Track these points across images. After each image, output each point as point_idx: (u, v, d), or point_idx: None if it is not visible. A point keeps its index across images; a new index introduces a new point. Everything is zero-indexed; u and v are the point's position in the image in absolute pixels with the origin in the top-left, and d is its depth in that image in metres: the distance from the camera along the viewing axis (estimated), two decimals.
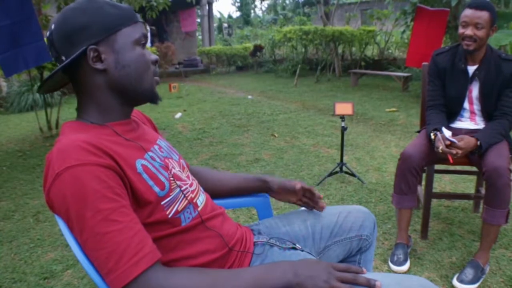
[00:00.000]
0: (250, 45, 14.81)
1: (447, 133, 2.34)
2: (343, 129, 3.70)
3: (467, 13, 2.34)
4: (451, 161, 2.33)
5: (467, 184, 3.65)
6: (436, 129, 2.40)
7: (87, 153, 0.91)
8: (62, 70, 1.04)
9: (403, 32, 7.84)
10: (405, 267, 2.40)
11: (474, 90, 2.51)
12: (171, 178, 1.10)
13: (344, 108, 3.65)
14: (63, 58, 1.03)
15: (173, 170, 1.14)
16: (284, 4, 21.17)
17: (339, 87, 9.87)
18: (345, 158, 4.35)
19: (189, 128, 5.93)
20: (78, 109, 1.11)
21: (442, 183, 3.68)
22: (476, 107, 2.55)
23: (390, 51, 12.30)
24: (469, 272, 2.26)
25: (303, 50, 11.62)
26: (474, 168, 2.75)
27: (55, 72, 1.02)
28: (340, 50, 11.70)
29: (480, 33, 2.32)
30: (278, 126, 6.04)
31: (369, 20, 12.71)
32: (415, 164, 2.39)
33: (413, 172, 2.40)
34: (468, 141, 2.27)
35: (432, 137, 2.38)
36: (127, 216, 0.91)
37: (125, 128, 1.10)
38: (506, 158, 2.26)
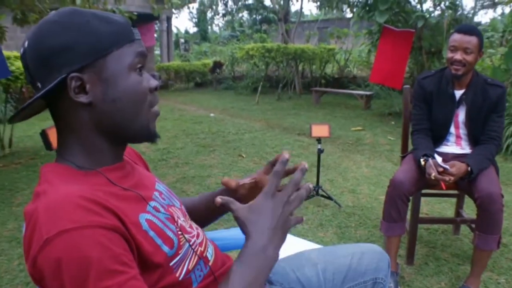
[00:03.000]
0: (209, 61, 14.65)
1: (439, 159, 2.28)
2: (319, 151, 3.60)
3: (456, 37, 2.32)
4: (444, 187, 2.28)
5: (443, 205, 3.62)
6: (425, 155, 2.33)
7: (86, 212, 0.72)
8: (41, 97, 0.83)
9: (369, 51, 7.92)
10: None
11: (461, 114, 2.48)
12: (179, 232, 0.92)
13: (320, 130, 3.55)
14: (39, 85, 0.83)
15: (179, 221, 0.96)
16: (241, 21, 21.21)
17: (301, 105, 9.84)
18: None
19: (152, 148, 5.68)
20: (59, 148, 0.89)
21: None
22: (462, 131, 2.51)
23: (349, 69, 12.44)
24: None
25: (264, 67, 11.56)
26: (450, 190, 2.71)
27: (29, 103, 0.82)
28: (300, 68, 11.73)
29: (469, 57, 2.30)
30: (245, 146, 5.89)
31: (328, 38, 12.86)
32: (406, 191, 2.31)
33: (404, 199, 2.32)
34: (459, 167, 2.23)
35: (422, 163, 2.31)
36: None
37: (119, 174, 0.91)
38: (497, 183, 2.24)
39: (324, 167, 4.81)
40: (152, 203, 0.92)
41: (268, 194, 0.85)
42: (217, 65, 13.78)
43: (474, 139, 2.49)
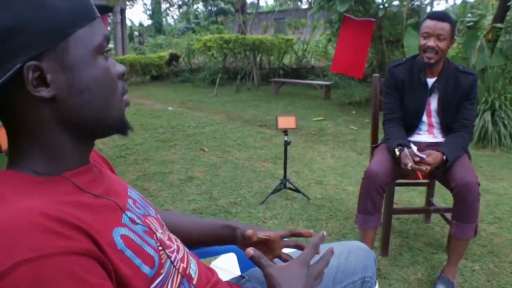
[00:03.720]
0: (165, 53, 14.28)
1: (414, 148, 2.22)
2: (286, 143, 3.50)
3: (429, 24, 2.25)
4: (420, 177, 2.23)
5: (411, 194, 3.61)
6: (400, 145, 2.27)
7: (50, 235, 0.57)
8: None
9: (329, 40, 7.88)
10: None
11: (433, 103, 2.43)
12: (160, 247, 0.79)
13: (287, 121, 3.45)
14: None
15: (157, 234, 0.82)
16: (196, 12, 20.83)
17: (260, 97, 9.74)
18: (282, 172, 4.17)
19: (109, 144, 5.43)
20: (12, 151, 0.74)
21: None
22: (434, 119, 2.47)
23: (307, 59, 12.43)
24: None
25: (221, 59, 11.38)
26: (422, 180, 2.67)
27: None
28: (258, 59, 11.62)
29: (442, 44, 2.25)
30: (206, 139, 5.73)
31: (286, 28, 12.80)
32: (381, 182, 2.24)
33: (379, 190, 2.25)
34: (435, 156, 2.18)
35: (397, 153, 2.25)
36: None
37: (88, 178, 0.76)
38: (473, 172, 2.21)
39: (289, 159, 4.68)
40: (128, 214, 0.77)
41: (305, 263, 0.88)
42: (173, 57, 13.46)
43: (446, 128, 2.45)
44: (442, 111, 2.41)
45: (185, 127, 6.54)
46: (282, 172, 4.15)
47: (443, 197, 3.44)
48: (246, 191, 3.72)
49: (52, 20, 0.66)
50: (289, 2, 17.05)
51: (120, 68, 0.79)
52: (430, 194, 3.02)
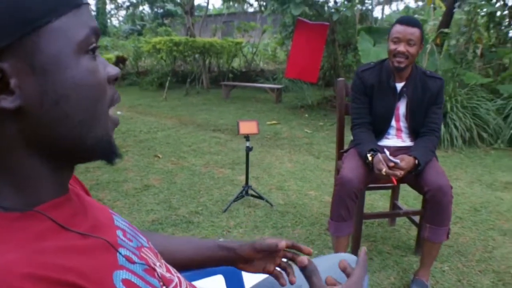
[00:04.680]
0: (111, 56, 13.85)
1: (388, 153, 2.20)
2: (248, 149, 3.42)
3: (399, 29, 2.25)
4: (395, 182, 2.21)
5: (373, 197, 3.62)
6: (372, 150, 2.25)
7: None
8: None
9: (282, 44, 7.88)
10: None
11: (401, 107, 2.43)
12: (163, 287, 0.68)
13: (248, 126, 3.36)
14: None
15: (157, 269, 0.70)
16: (142, 14, 20.31)
17: (211, 100, 9.62)
18: (242, 178, 4.09)
19: None
20: None
21: None
22: (403, 124, 2.47)
23: (256, 62, 12.43)
24: None
25: (170, 62, 11.15)
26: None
27: None
28: (207, 62, 11.49)
29: (412, 49, 2.25)
30: (159, 145, 5.55)
31: (235, 31, 12.73)
32: (355, 188, 2.20)
33: (353, 197, 2.21)
34: (408, 161, 2.17)
35: (370, 158, 2.22)
36: None
37: (68, 212, 0.61)
38: (445, 175, 2.23)
39: None
40: (122, 251, 0.64)
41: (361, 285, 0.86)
42: (120, 60, 13.10)
43: (414, 132, 2.45)
44: (410, 115, 2.41)
45: (136, 132, 6.32)
46: (241, 178, 4.09)
47: (403, 199, 3.48)
48: (207, 199, 3.60)
49: (19, 6, 0.50)
50: (236, 6, 17.01)
51: (113, 70, 0.63)
52: (395, 197, 3.04)
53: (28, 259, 0.48)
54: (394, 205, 3.02)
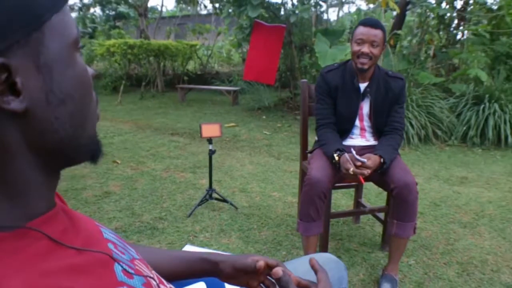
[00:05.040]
0: None
1: (354, 153, 2.22)
2: (211, 152, 3.38)
3: (363, 31, 2.28)
4: (362, 181, 2.24)
5: (335, 196, 3.65)
6: (339, 150, 2.27)
7: None
8: None
9: (239, 46, 7.86)
10: None
11: (365, 107, 2.47)
12: None
13: (211, 129, 3.32)
14: None
15: (154, 283, 0.68)
16: (93, 17, 19.78)
17: (167, 104, 9.48)
18: (204, 182, 4.06)
19: None
20: None
21: None
22: (366, 123, 2.51)
23: (211, 65, 12.37)
24: (386, 287, 2.25)
25: (124, 65, 10.92)
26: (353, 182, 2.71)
27: None
28: (161, 65, 11.33)
29: (376, 51, 2.29)
30: (117, 150, 5.41)
31: (190, 33, 12.62)
32: (324, 188, 2.22)
33: (322, 197, 2.23)
34: (374, 160, 2.21)
35: (336, 158, 2.24)
36: None
37: (60, 226, 0.57)
38: (410, 172, 2.28)
39: (208, 167, 4.60)
40: (119, 266, 0.61)
41: None
42: None
43: (377, 131, 2.50)
44: (374, 114, 2.45)
45: None
46: (203, 182, 4.05)
47: (365, 197, 3.54)
48: (170, 204, 3.53)
49: (26, 2, 0.47)
50: (189, 8, 16.87)
51: (91, 70, 0.61)
52: (358, 195, 3.08)
53: (33, 284, 0.45)
54: (358, 203, 3.07)
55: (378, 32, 2.27)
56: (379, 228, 2.97)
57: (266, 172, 4.43)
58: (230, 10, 6.81)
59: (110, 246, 0.66)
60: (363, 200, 3.09)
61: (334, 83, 2.44)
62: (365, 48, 2.27)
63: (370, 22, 2.32)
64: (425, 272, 2.44)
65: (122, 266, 0.61)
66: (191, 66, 12.36)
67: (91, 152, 0.62)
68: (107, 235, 0.70)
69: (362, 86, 2.43)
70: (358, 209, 2.97)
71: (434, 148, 5.34)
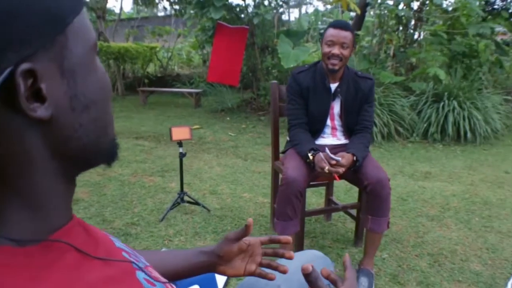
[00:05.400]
0: None
1: (329, 152, 2.28)
2: (182, 155, 3.38)
3: (333, 33, 2.34)
4: (337, 179, 2.29)
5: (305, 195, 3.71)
6: (312, 149, 2.32)
7: None
8: None
9: (203, 48, 7.83)
10: None
11: (336, 106, 2.53)
12: None
13: (181, 132, 3.32)
14: None
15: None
16: None
17: (129, 107, 9.33)
18: (173, 185, 4.04)
19: None
20: None
21: None
22: (337, 123, 2.57)
23: (171, 67, 12.26)
24: (364, 281, 2.32)
25: None
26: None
27: None
28: (121, 68, 11.14)
29: (346, 52, 2.36)
30: None
31: (148, 36, 12.47)
32: (300, 187, 2.26)
33: (298, 195, 2.28)
34: (348, 158, 2.27)
35: (311, 157, 2.29)
36: None
37: (81, 237, 0.56)
38: (383, 169, 2.35)
39: (176, 170, 4.57)
40: (141, 274, 0.60)
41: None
42: None
43: (348, 130, 2.57)
44: (344, 114, 2.52)
45: None
46: (172, 185, 4.03)
47: (335, 194, 3.61)
48: (141, 209, 3.49)
49: (52, 4, 0.46)
50: (146, 10, 16.68)
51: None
52: (329, 193, 3.14)
53: None
54: (329, 201, 3.13)
55: (347, 34, 2.33)
56: (350, 224, 3.04)
57: (235, 174, 4.44)
58: (192, 12, 6.78)
59: (125, 255, 0.65)
60: (334, 198, 3.16)
61: (306, 84, 2.49)
62: (336, 50, 2.33)
63: (340, 24, 2.38)
64: (399, 265, 2.52)
65: (144, 274, 0.61)
66: (151, 68, 12.21)
67: (111, 155, 0.61)
68: (118, 243, 0.69)
69: (333, 86, 2.48)
70: (332, 207, 3.03)
71: (397, 145, 5.51)
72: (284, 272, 1.03)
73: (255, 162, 4.90)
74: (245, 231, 1.00)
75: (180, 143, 3.35)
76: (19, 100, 0.44)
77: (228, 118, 7.59)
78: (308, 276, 0.80)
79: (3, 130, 0.45)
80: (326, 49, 2.36)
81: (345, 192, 3.73)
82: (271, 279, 1.02)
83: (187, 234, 3.02)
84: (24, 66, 0.43)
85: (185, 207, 3.47)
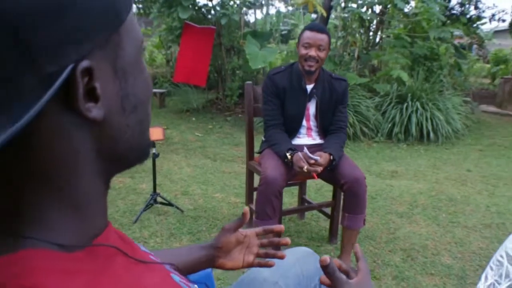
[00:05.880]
0: None
1: (307, 151, 2.33)
2: (155, 156, 3.35)
3: (310, 35, 2.40)
4: (316, 178, 2.35)
5: None
6: (291, 149, 2.36)
7: None
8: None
9: (169, 48, 7.75)
10: None
11: (311, 107, 2.59)
12: None
13: (154, 133, 3.28)
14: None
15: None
16: None
17: None
18: (144, 186, 4.00)
19: None
20: (7, 213, 0.45)
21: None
22: (313, 123, 2.63)
23: None
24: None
25: None
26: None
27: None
28: None
29: (322, 54, 2.42)
30: None
31: None
32: (279, 186, 2.31)
33: (277, 195, 2.32)
34: (325, 157, 2.32)
35: (289, 157, 2.33)
36: None
37: (119, 242, 0.55)
38: (359, 168, 2.41)
39: (146, 171, 4.52)
40: (176, 277, 0.62)
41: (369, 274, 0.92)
42: None
43: (323, 130, 2.63)
44: (320, 115, 2.58)
45: None
46: (143, 186, 4.00)
47: (306, 193, 3.67)
48: (113, 211, 3.44)
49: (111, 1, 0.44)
50: None
51: None
52: (302, 192, 3.20)
53: None
54: (303, 200, 3.18)
55: (324, 37, 2.39)
56: (324, 222, 3.11)
57: (205, 174, 4.44)
58: (157, 11, 6.71)
59: (153, 258, 0.65)
60: (307, 197, 3.21)
61: (282, 85, 2.53)
62: (312, 52, 2.38)
63: (316, 27, 2.44)
64: (374, 260, 2.60)
65: (178, 277, 0.63)
66: None
67: (147, 154, 0.59)
68: (143, 248, 0.69)
69: (309, 87, 2.54)
70: (308, 205, 3.08)
71: (362, 145, 5.65)
72: (281, 257, 1.07)
73: (224, 163, 4.91)
74: (242, 220, 1.03)
75: (153, 144, 3.32)
76: (77, 99, 0.42)
77: (194, 119, 7.56)
78: (326, 267, 0.82)
79: (53, 130, 0.43)
80: (303, 51, 2.41)
81: (316, 191, 3.80)
82: (270, 265, 1.06)
83: (163, 235, 3.00)
84: (84, 63, 0.41)
85: (158, 209, 3.45)
